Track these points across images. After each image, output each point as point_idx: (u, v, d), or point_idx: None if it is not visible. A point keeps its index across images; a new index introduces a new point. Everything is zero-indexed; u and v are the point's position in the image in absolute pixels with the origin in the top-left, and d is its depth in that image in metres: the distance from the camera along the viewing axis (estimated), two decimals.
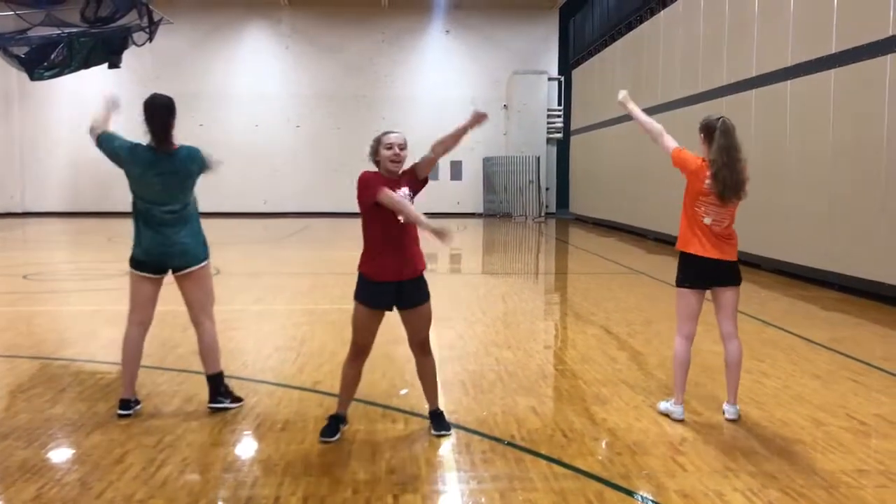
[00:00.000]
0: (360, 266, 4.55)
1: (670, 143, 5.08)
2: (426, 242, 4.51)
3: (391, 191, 4.32)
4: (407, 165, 4.60)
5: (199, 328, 5.12)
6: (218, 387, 5.11)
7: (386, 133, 4.56)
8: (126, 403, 4.97)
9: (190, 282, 5.02)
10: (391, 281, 4.47)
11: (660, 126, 5.16)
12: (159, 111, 4.87)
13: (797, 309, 9.52)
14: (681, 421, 4.91)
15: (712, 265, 4.86)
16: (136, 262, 4.97)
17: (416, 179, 4.57)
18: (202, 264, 5.04)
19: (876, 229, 9.72)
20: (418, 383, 4.85)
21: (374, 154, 4.53)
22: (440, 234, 4.15)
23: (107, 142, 4.96)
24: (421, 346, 4.70)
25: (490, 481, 3.98)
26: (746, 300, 9.55)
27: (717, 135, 4.76)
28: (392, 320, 4.75)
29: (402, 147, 4.50)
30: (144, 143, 4.94)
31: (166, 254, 4.91)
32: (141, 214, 4.94)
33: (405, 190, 4.47)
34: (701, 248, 4.85)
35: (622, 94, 5.42)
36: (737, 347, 4.97)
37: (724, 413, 5.01)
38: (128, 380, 5.02)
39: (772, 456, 4.34)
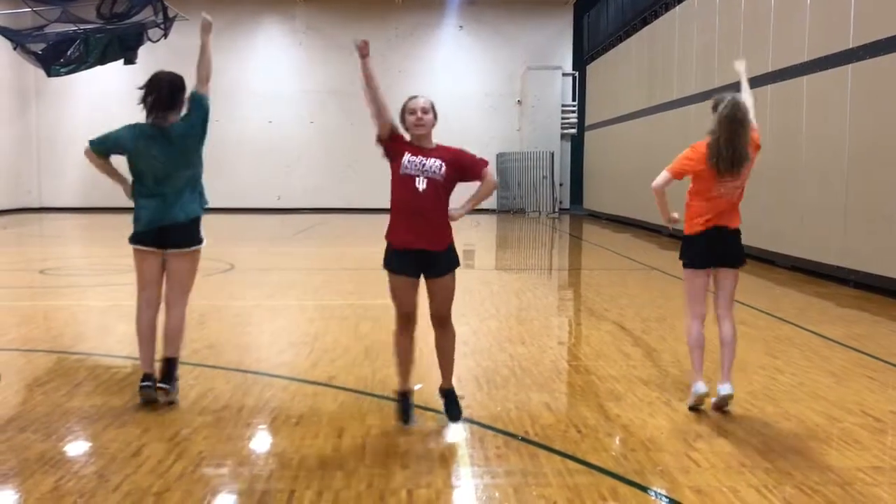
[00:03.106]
0: (386, 234, 4.58)
1: (661, 175, 5.05)
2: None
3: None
4: (443, 141, 4.60)
5: (174, 310, 5.11)
6: (172, 371, 5.09)
7: (411, 98, 4.61)
8: (148, 377, 5.00)
9: (181, 260, 5.05)
10: (411, 249, 4.48)
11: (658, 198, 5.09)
12: (161, 86, 4.95)
13: (812, 306, 9.46)
14: (704, 394, 4.90)
15: (716, 236, 4.89)
16: (136, 237, 5.03)
17: (456, 172, 4.56)
18: (198, 246, 5.09)
19: (893, 225, 9.63)
20: (432, 378, 4.85)
21: (402, 121, 4.60)
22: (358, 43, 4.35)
23: (100, 141, 5.06)
24: (440, 321, 4.68)
25: (504, 476, 3.98)
26: (761, 296, 9.53)
27: (721, 107, 4.79)
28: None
29: (426, 111, 4.54)
30: (144, 122, 5.01)
31: (166, 226, 4.94)
32: (142, 194, 5.00)
33: (436, 161, 4.46)
34: (704, 224, 4.91)
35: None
36: (730, 327, 5.01)
37: (718, 392, 4.93)
38: (146, 357, 5.05)
39: (786, 452, 4.32)
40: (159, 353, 5.16)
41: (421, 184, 4.43)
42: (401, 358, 4.70)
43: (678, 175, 5.00)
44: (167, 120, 4.97)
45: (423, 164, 4.46)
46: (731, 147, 4.73)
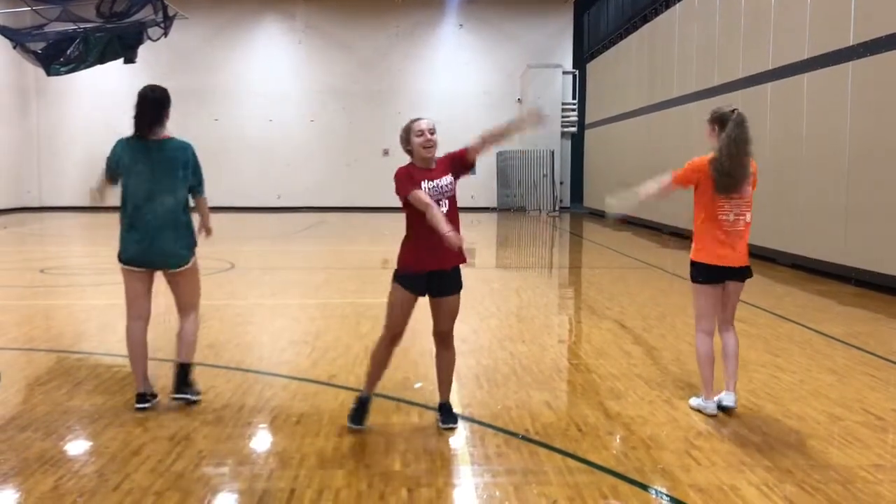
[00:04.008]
0: (401, 255, 4.54)
1: (666, 176, 5.01)
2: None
3: (421, 192, 4.32)
4: (440, 152, 4.58)
5: (186, 318, 5.16)
6: (186, 377, 5.11)
7: (415, 120, 4.52)
8: (142, 397, 5.01)
9: (178, 279, 5.08)
10: (428, 271, 4.48)
11: (658, 182, 5.07)
12: (149, 103, 4.93)
13: (813, 303, 9.45)
14: (714, 416, 4.88)
15: (728, 270, 4.85)
16: (123, 258, 5.03)
17: (461, 165, 4.55)
18: (189, 265, 5.10)
19: (894, 223, 9.63)
20: (432, 376, 4.85)
21: (406, 143, 4.52)
22: (455, 245, 4.18)
23: (108, 171, 5.06)
24: (443, 337, 4.68)
25: (504, 475, 3.98)
26: (762, 294, 9.51)
27: (730, 126, 4.72)
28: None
29: (433, 132, 4.48)
30: (132, 134, 5.00)
31: (151, 258, 4.96)
32: (128, 217, 4.97)
33: (448, 178, 4.47)
34: (717, 258, 4.83)
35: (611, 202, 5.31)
36: (733, 337, 4.99)
37: (721, 402, 4.92)
38: (139, 375, 5.05)
39: (787, 451, 4.32)
40: (153, 365, 5.14)
41: (444, 207, 4.42)
42: (376, 368, 4.69)
43: (682, 182, 4.90)
44: (154, 134, 4.96)
45: (440, 186, 4.45)
46: (734, 166, 4.67)
